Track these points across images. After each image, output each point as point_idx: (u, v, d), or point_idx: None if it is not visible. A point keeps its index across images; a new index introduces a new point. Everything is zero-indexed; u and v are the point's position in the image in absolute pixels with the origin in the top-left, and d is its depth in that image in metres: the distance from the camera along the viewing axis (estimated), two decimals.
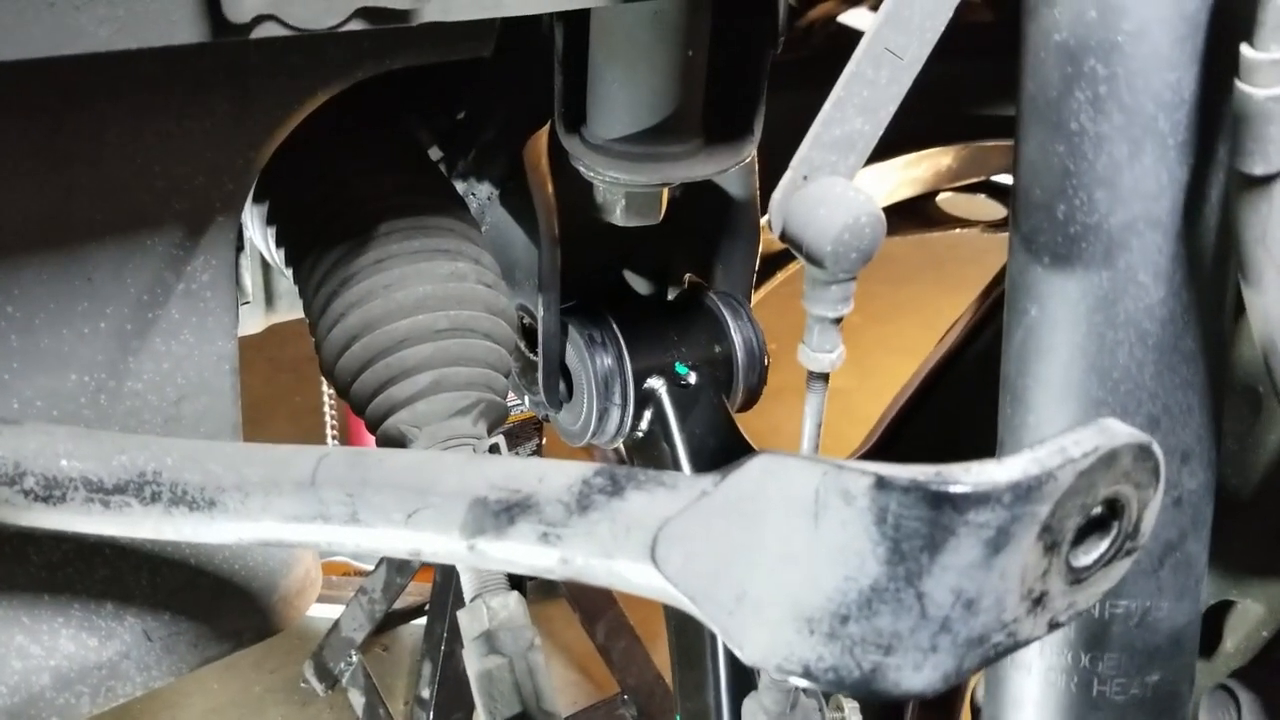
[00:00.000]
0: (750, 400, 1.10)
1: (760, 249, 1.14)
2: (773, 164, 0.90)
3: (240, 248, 1.14)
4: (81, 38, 0.55)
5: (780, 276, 1.51)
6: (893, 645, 0.46)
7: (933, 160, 1.51)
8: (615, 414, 1.04)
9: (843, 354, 0.66)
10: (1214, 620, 0.95)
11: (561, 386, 1.08)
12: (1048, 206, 0.61)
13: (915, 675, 0.46)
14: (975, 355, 1.28)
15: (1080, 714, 0.70)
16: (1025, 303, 0.64)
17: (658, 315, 1.10)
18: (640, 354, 1.04)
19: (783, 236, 0.63)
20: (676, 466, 1.04)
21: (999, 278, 1.41)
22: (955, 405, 1.25)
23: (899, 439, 1.22)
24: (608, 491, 0.54)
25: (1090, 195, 0.59)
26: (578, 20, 0.83)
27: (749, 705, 0.82)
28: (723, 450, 1.04)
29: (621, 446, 1.11)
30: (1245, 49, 0.52)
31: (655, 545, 0.51)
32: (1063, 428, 0.63)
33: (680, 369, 1.05)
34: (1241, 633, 0.94)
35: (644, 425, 1.05)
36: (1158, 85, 0.56)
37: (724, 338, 1.08)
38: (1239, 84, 0.53)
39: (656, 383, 1.05)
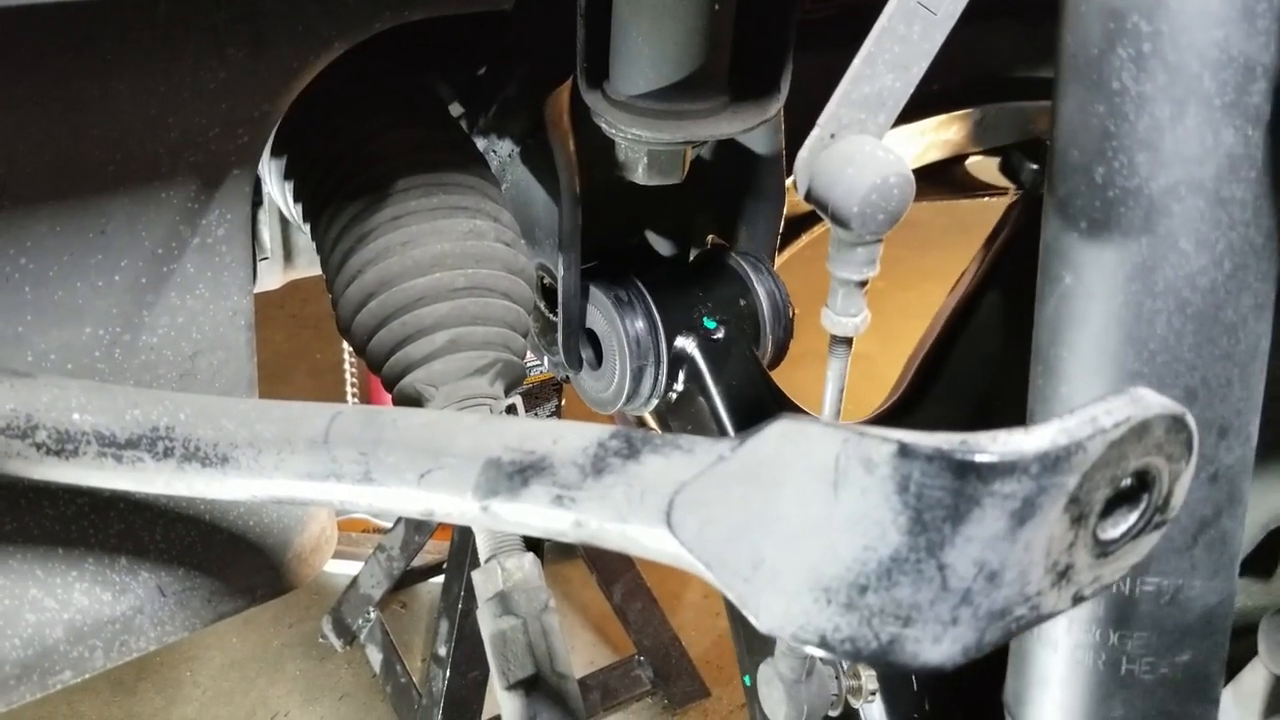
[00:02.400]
0: (778, 354, 1.10)
1: (785, 211, 1.12)
2: (797, 125, 0.88)
3: (258, 203, 1.13)
4: None
5: (804, 239, 1.49)
6: (912, 617, 0.44)
7: (962, 122, 1.48)
8: (650, 373, 1.03)
9: (867, 318, 0.65)
10: (1273, 546, 0.94)
11: (588, 353, 1.07)
12: (1086, 169, 0.59)
13: (934, 648, 0.45)
14: (991, 304, 1.26)
15: (1108, 693, 0.68)
16: (1059, 269, 0.62)
17: (681, 274, 1.09)
18: (668, 313, 1.04)
19: (808, 196, 0.62)
20: (716, 421, 1.03)
21: (1002, 221, 1.39)
22: (975, 357, 1.23)
23: (923, 396, 1.20)
24: (623, 454, 0.53)
25: (1131, 158, 0.57)
26: None
27: (764, 672, 0.81)
28: (759, 402, 1.04)
29: (651, 416, 1.10)
30: None
31: (671, 510, 0.50)
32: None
33: (709, 324, 1.04)
34: None
35: (679, 385, 1.05)
36: (1203, 43, 0.54)
37: (748, 292, 1.08)
38: None
39: (687, 340, 1.04)
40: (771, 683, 0.79)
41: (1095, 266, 0.59)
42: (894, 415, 1.18)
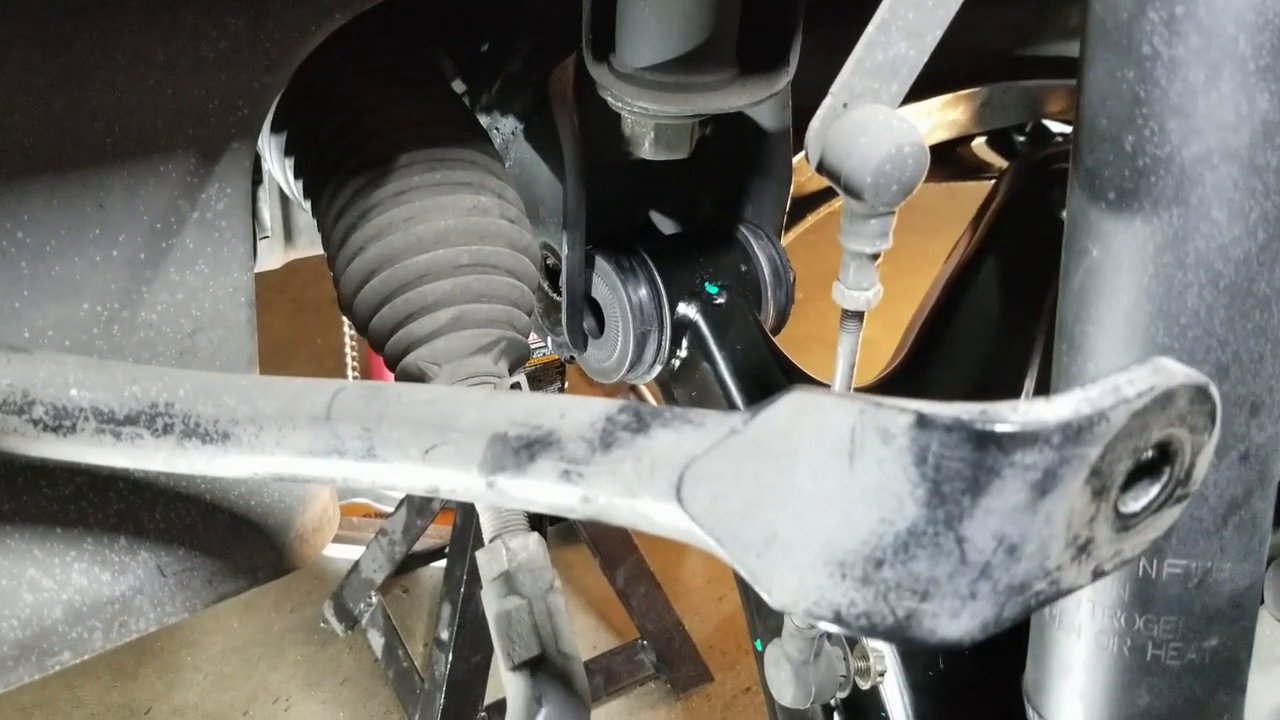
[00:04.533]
0: (780, 319, 1.10)
1: (792, 189, 1.11)
2: (805, 101, 0.86)
3: (259, 181, 1.12)
4: None
5: (810, 219, 1.47)
6: (929, 591, 0.43)
7: (968, 103, 1.47)
8: (654, 339, 1.03)
9: (879, 292, 0.64)
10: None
11: (590, 322, 1.06)
12: (1115, 138, 0.57)
13: (952, 623, 0.44)
14: (988, 270, 1.26)
15: (1133, 680, 0.67)
16: (1086, 242, 0.61)
17: (682, 242, 1.09)
18: (670, 279, 1.03)
19: (820, 167, 0.60)
20: (721, 386, 1.03)
21: (993, 191, 1.38)
22: (974, 321, 1.23)
23: (924, 362, 1.20)
24: (632, 428, 0.51)
25: (1162, 125, 0.55)
26: None
27: (772, 652, 0.80)
28: (763, 366, 1.04)
29: (656, 385, 1.10)
30: None
31: (681, 484, 0.48)
32: None
33: (711, 289, 1.04)
34: None
35: (682, 351, 1.05)
36: (1239, 4, 0.52)
37: (749, 258, 1.08)
38: None
39: (689, 306, 1.04)
40: (779, 663, 0.78)
41: (1124, 238, 0.58)
42: (895, 381, 1.17)
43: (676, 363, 1.05)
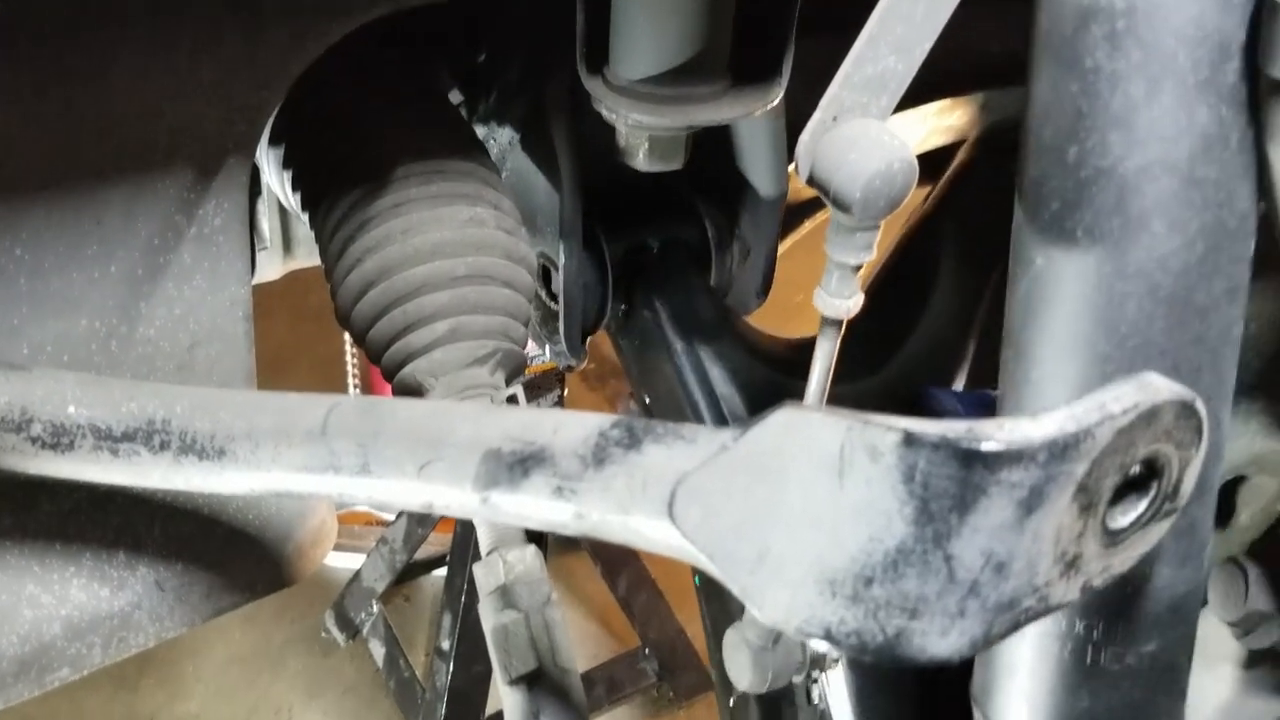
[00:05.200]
0: (726, 279, 1.16)
1: (787, 196, 1.12)
2: (799, 111, 0.87)
3: (257, 192, 1.12)
4: None
5: (807, 226, 1.48)
6: (918, 609, 0.44)
7: (965, 107, 1.47)
8: (597, 290, 1.10)
9: (859, 301, 0.64)
10: (1228, 494, 0.93)
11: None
12: (1059, 149, 0.57)
13: (941, 641, 0.44)
14: (943, 232, 1.30)
15: (1075, 682, 0.67)
16: (1031, 252, 0.61)
17: (627, 201, 1.13)
18: (614, 233, 1.10)
19: (810, 180, 0.61)
20: (660, 333, 1.10)
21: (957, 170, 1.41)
22: (924, 280, 1.26)
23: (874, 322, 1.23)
24: (624, 444, 0.52)
25: (1104, 137, 0.56)
26: None
27: (731, 637, 0.80)
28: (702, 314, 1.11)
29: (606, 334, 1.17)
30: None
31: (673, 501, 0.49)
32: (1068, 383, 0.61)
33: (650, 243, 1.12)
34: (1255, 506, 0.92)
35: (623, 301, 1.12)
36: (1179, 19, 0.53)
37: (694, 218, 1.14)
38: None
39: (631, 259, 1.11)
40: (738, 648, 0.78)
41: (1067, 248, 0.58)
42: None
43: (622, 311, 1.12)
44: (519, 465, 0.54)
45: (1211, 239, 0.57)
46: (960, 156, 1.41)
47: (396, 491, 0.59)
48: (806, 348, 0.67)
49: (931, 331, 1.22)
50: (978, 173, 1.38)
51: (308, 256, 1.16)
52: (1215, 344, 0.59)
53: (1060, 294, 0.59)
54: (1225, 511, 0.93)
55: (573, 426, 0.54)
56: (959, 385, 1.18)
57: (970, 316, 1.20)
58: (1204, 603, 0.87)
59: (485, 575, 0.74)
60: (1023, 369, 0.63)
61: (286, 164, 0.97)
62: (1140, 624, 0.66)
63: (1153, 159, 0.55)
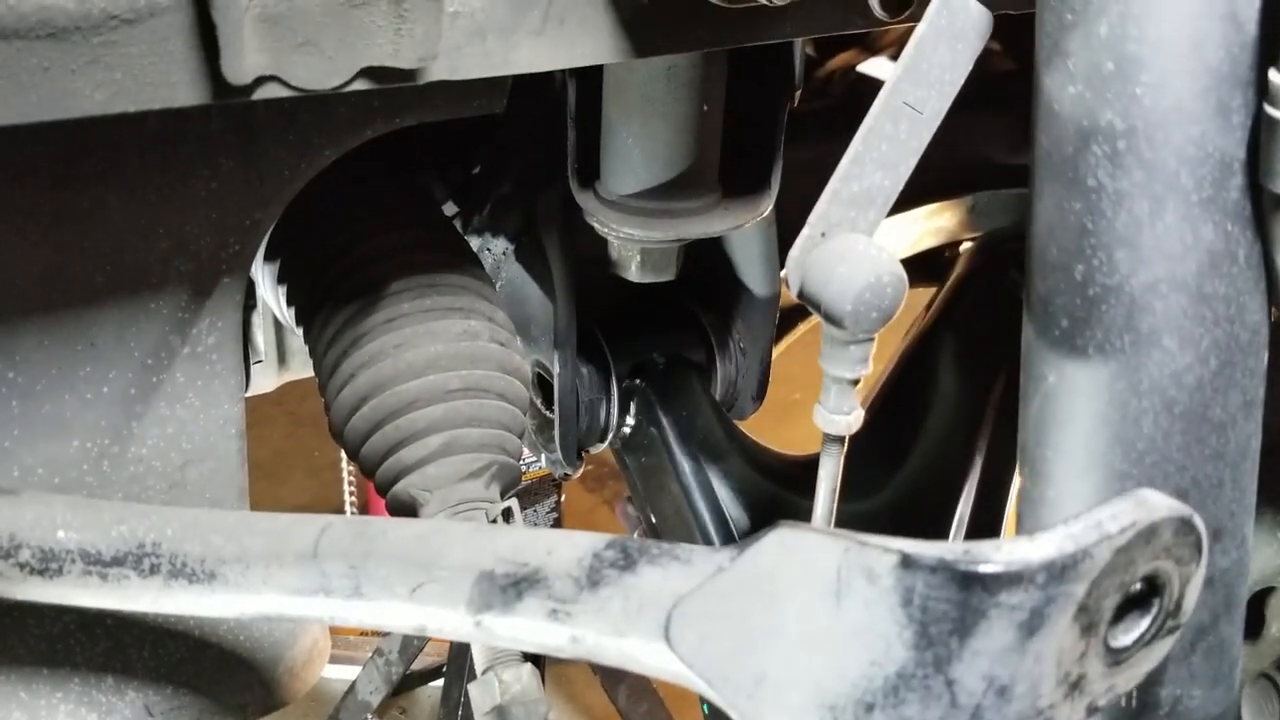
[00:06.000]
0: (730, 390, 1.16)
1: (780, 301, 1.12)
2: (793, 215, 0.88)
3: (252, 305, 1.13)
4: (77, 101, 0.54)
5: (802, 327, 1.48)
6: None
7: (955, 209, 1.49)
8: (603, 407, 1.10)
9: (860, 416, 0.64)
10: (1257, 607, 0.92)
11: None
12: (1065, 267, 0.58)
13: None
14: (945, 344, 1.29)
15: None
16: (1042, 370, 0.61)
17: (631, 314, 1.14)
18: (618, 350, 1.10)
19: (801, 295, 0.61)
20: (668, 450, 1.09)
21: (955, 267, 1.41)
22: (928, 394, 1.26)
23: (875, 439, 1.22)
24: (619, 565, 0.51)
25: (1110, 255, 0.56)
26: (591, 75, 0.82)
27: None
28: (709, 431, 1.11)
29: (611, 452, 1.16)
30: (1273, 73, 0.51)
31: (669, 624, 0.48)
32: (1086, 502, 0.60)
33: (658, 359, 1.12)
34: None
35: (630, 418, 1.11)
36: (1179, 140, 0.54)
37: (697, 330, 1.14)
38: (1267, 108, 0.51)
39: (636, 376, 1.11)
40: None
41: (1078, 365, 0.58)
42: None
43: (627, 430, 1.11)
44: (513, 588, 0.54)
45: (1224, 354, 0.57)
46: (959, 268, 1.41)
47: (389, 614, 0.59)
48: (811, 465, 0.67)
49: (933, 449, 1.21)
50: (976, 284, 1.38)
51: (302, 368, 1.17)
52: (1234, 458, 0.58)
53: (1074, 411, 0.59)
54: (1255, 625, 0.91)
55: (567, 547, 0.54)
56: (965, 501, 1.17)
57: (973, 431, 1.20)
58: None
59: (481, 695, 0.73)
60: (1039, 489, 0.62)
61: (281, 279, 0.97)
62: None
63: (1160, 276, 0.55)
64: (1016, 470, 0.66)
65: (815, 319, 1.55)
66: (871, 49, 1.54)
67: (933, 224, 1.54)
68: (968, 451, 1.20)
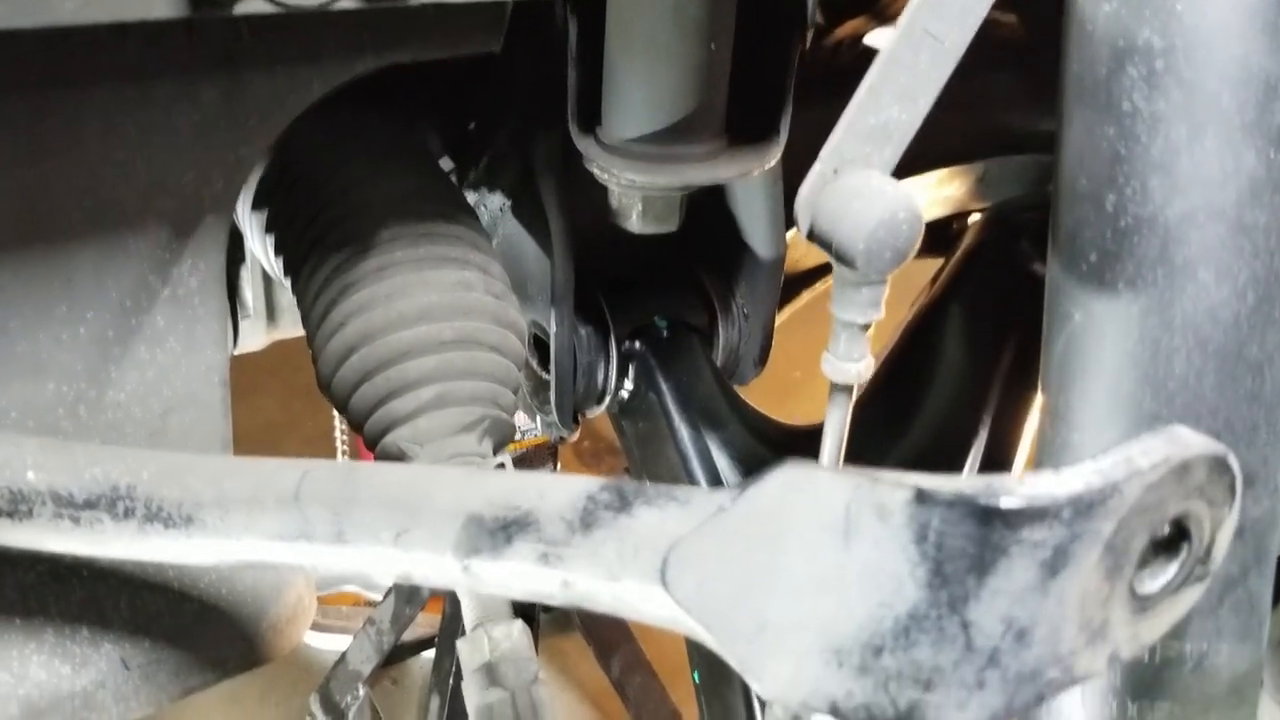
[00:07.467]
0: (731, 357, 1.14)
1: (785, 266, 1.09)
2: (796, 181, 0.85)
3: (241, 259, 1.10)
4: (46, 10, 0.51)
5: (805, 296, 1.46)
6: (933, 680, 0.40)
7: (965, 177, 1.46)
8: (600, 370, 1.08)
9: (870, 364, 0.61)
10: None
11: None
12: (1095, 197, 0.55)
13: (959, 714, 0.40)
14: (952, 315, 1.27)
15: None
16: (1067, 307, 0.58)
17: (634, 278, 1.11)
18: (618, 314, 1.08)
19: (811, 234, 0.58)
20: (666, 417, 1.08)
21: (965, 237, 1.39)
22: (934, 366, 1.24)
23: (882, 408, 1.19)
24: (614, 508, 0.48)
25: (1144, 183, 0.53)
26: (592, 12, 0.79)
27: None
28: (709, 398, 1.09)
29: (609, 417, 1.15)
30: None
31: (666, 567, 0.46)
32: (1111, 447, 0.57)
33: (659, 323, 1.09)
34: None
35: (629, 383, 1.09)
36: (1221, 59, 0.51)
37: (701, 295, 1.11)
38: None
39: (636, 340, 1.09)
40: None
41: (1107, 302, 0.55)
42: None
43: (625, 394, 1.09)
44: (502, 531, 0.51)
45: (1263, 288, 0.54)
46: (967, 239, 1.39)
47: (373, 560, 0.56)
48: (814, 433, 0.64)
49: (938, 420, 1.20)
50: (985, 255, 1.36)
51: (292, 325, 1.14)
52: (1270, 400, 0.56)
53: (1101, 350, 0.56)
54: (1275, 592, 0.89)
55: (560, 490, 0.51)
56: (968, 474, 1.15)
57: (979, 405, 1.18)
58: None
59: (470, 652, 0.71)
60: (1062, 433, 0.60)
61: (269, 228, 0.95)
62: (1198, 705, 0.61)
63: (1197, 205, 0.52)
64: (1020, 446, 0.64)
65: (819, 287, 1.53)
66: (881, 16, 1.51)
67: (941, 192, 1.51)
68: (973, 423, 1.18)
